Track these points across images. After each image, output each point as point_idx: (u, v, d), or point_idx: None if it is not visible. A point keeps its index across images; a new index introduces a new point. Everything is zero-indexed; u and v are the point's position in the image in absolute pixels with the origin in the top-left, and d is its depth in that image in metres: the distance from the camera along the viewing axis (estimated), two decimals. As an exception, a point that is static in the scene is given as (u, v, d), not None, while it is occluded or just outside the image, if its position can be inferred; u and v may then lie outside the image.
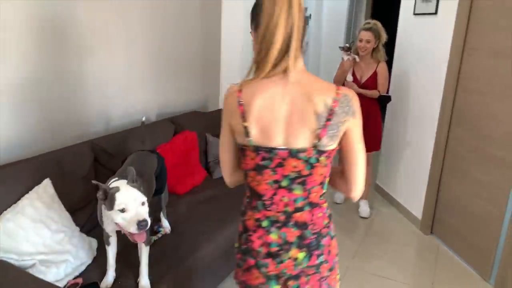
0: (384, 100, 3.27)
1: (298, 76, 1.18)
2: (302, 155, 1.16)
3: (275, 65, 1.15)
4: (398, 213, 3.60)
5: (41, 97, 2.16)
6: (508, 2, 2.46)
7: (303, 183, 1.19)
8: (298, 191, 1.20)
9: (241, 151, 1.24)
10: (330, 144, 1.16)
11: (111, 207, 1.54)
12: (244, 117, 1.18)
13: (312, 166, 1.17)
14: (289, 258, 1.22)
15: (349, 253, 2.94)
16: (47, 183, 1.91)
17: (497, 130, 2.55)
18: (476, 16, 2.75)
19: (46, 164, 1.98)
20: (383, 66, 3.24)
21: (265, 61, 1.15)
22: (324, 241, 1.24)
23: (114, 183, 1.61)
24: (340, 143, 1.20)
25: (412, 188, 3.43)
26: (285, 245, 1.21)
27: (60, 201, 1.92)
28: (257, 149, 1.18)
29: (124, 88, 2.66)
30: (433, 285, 2.62)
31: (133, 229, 1.53)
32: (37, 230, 1.74)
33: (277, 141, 1.16)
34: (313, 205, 1.22)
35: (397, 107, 3.65)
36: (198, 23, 3.28)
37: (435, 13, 3.12)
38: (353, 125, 1.17)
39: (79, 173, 2.13)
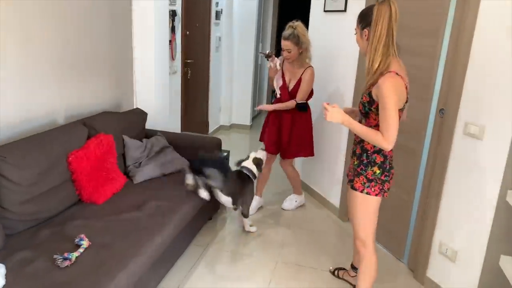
0: (301, 108, 3.19)
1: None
2: None
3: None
4: (319, 203, 3.76)
5: None
6: (404, 2, 2.67)
7: None
8: None
9: None
10: None
11: None
12: (407, 91, 1.87)
13: None
14: None
15: (277, 245, 2.99)
16: None
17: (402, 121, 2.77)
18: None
19: None
20: (308, 72, 3.13)
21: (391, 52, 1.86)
22: None
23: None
24: None
25: (331, 181, 3.60)
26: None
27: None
28: (402, 109, 1.91)
29: (20, 90, 2.35)
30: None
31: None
32: None
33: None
34: None
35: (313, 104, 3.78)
36: (107, 18, 3.04)
37: (344, 10, 3.28)
38: None
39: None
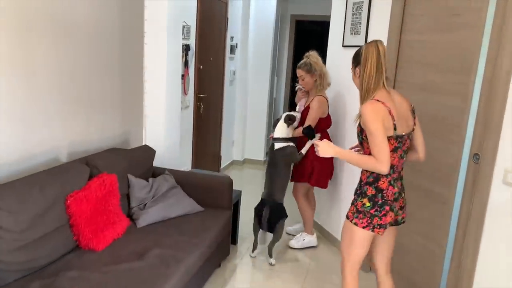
0: (307, 133, 3.11)
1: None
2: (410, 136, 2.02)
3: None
4: (337, 249, 3.49)
5: None
6: (431, 38, 2.50)
7: (407, 153, 2.05)
8: (405, 158, 2.03)
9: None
10: None
11: None
12: (393, 118, 1.88)
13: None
14: (402, 197, 2.05)
15: (290, 300, 2.72)
16: None
17: (430, 164, 2.54)
18: (404, 50, 2.77)
19: None
20: (316, 100, 3.19)
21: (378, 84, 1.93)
22: None
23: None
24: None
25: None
26: (400, 192, 2.03)
27: None
28: (397, 137, 1.91)
29: (20, 126, 2.21)
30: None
31: None
32: None
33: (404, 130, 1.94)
34: None
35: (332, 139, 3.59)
36: (117, 50, 2.94)
37: (365, 46, 3.12)
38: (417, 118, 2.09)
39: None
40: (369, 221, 1.95)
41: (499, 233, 2.08)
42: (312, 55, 3.20)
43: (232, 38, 5.27)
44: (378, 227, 1.95)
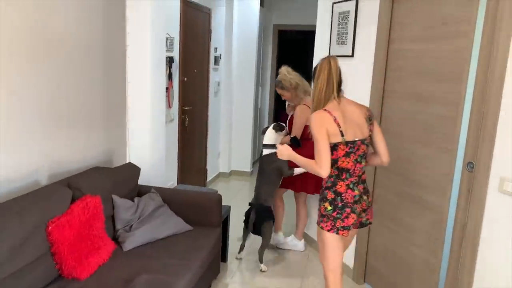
0: (293, 142, 3.18)
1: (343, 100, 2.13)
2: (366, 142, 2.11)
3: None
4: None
5: None
6: (420, 47, 2.47)
7: (365, 158, 2.13)
8: (363, 163, 2.12)
9: (333, 146, 2.03)
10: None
11: None
12: (339, 125, 2.02)
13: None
14: (364, 200, 2.14)
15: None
16: None
17: (423, 173, 2.50)
18: (393, 59, 2.74)
19: None
20: (298, 108, 3.28)
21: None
22: None
23: None
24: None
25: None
26: (361, 195, 2.12)
27: None
28: (347, 143, 2.03)
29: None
30: None
31: None
32: None
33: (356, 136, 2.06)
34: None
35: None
36: (99, 64, 2.83)
37: (352, 55, 3.09)
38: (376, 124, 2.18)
39: None
40: (332, 224, 2.07)
41: (496, 243, 2.03)
42: (281, 72, 3.31)
43: (216, 49, 5.20)
44: (342, 229, 2.07)
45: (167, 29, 3.60)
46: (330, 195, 2.08)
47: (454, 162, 2.29)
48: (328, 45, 3.35)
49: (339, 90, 2.11)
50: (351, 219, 2.06)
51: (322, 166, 1.99)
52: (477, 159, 2.11)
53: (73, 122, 2.62)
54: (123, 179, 2.72)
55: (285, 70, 3.32)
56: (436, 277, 2.45)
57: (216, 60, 5.25)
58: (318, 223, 2.14)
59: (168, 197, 2.87)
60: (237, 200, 4.64)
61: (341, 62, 3.20)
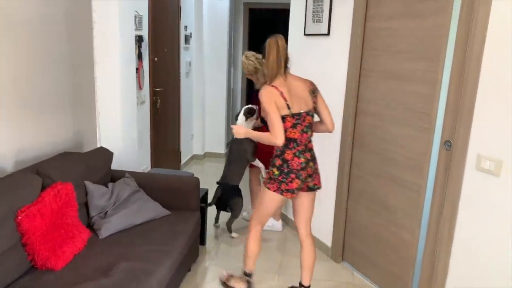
0: (263, 122, 3.13)
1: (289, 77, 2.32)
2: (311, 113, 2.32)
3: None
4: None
5: None
6: (398, 24, 2.46)
7: (310, 128, 2.32)
8: (309, 133, 2.32)
9: (281, 119, 2.21)
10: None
11: None
12: (285, 99, 2.22)
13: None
14: (309, 167, 2.32)
15: (267, 299, 2.64)
16: None
17: (401, 152, 2.53)
18: (370, 38, 2.72)
19: None
20: (260, 93, 3.19)
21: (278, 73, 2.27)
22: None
23: None
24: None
25: (319, 217, 3.29)
26: (308, 162, 2.31)
27: None
28: (293, 115, 2.23)
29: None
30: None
31: None
32: None
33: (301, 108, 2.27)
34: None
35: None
36: (64, 44, 2.66)
37: (328, 34, 3.05)
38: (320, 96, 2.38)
39: None
40: (278, 186, 2.29)
41: (473, 219, 2.09)
42: (243, 59, 3.40)
43: (186, 27, 5.03)
44: (286, 191, 2.29)
45: (136, 7, 3.43)
46: (278, 161, 2.29)
47: (432, 140, 2.32)
48: (304, 23, 3.29)
49: (285, 67, 2.29)
50: (295, 184, 2.27)
51: (277, 136, 2.18)
52: (454, 137, 2.14)
53: (38, 105, 2.46)
54: (95, 164, 2.61)
55: (244, 55, 3.41)
56: (414, 253, 2.50)
57: (187, 39, 5.09)
58: (265, 184, 2.34)
59: (143, 182, 2.78)
60: (213, 183, 4.57)
61: (317, 41, 3.20)
